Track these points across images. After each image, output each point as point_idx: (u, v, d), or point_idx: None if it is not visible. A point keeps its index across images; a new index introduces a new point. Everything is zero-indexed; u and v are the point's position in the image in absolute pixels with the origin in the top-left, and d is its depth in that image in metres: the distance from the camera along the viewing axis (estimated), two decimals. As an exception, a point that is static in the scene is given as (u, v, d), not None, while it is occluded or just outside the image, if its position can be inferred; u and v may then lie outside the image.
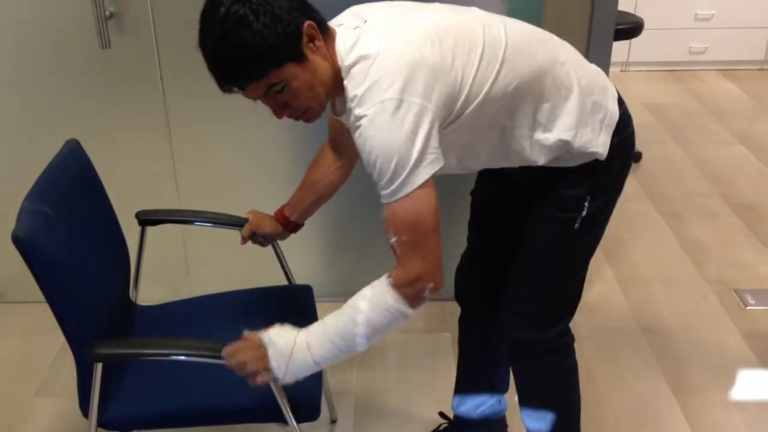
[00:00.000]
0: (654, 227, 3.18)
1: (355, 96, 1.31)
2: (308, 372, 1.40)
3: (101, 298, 1.57)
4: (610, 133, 1.51)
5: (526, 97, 1.43)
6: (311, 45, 1.32)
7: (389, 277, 1.35)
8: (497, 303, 1.68)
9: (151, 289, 2.25)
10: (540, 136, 1.47)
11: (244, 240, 1.84)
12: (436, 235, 1.35)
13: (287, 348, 1.38)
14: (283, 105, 1.35)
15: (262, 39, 1.25)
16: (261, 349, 1.38)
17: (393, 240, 1.33)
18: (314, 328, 1.39)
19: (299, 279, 1.99)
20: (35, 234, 1.33)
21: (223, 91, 1.33)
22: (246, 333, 1.41)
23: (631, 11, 4.58)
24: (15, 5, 2.08)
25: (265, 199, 1.87)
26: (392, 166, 1.28)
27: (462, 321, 1.91)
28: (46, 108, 2.20)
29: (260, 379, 1.39)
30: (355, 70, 1.32)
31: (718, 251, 2.99)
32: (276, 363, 1.37)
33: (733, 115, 4.31)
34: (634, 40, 4.71)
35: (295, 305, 1.85)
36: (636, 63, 4.95)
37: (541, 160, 1.49)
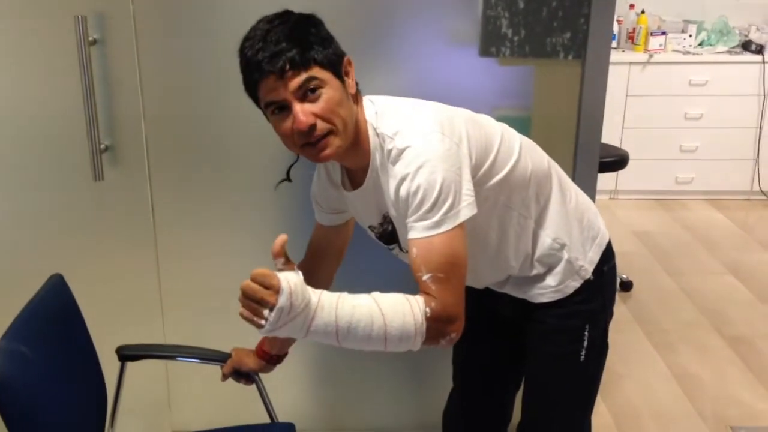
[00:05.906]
0: (647, 359, 3.13)
1: (396, 132, 1.33)
2: (291, 336, 1.25)
3: (74, 440, 1.51)
4: (599, 253, 1.57)
5: (538, 189, 1.49)
6: (346, 78, 1.36)
7: (427, 306, 1.25)
8: None
9: (131, 422, 2.18)
10: (542, 233, 1.51)
11: (224, 377, 1.81)
12: (464, 284, 1.31)
13: (297, 308, 1.20)
14: (309, 113, 1.29)
15: (328, 36, 1.35)
16: (271, 297, 1.18)
17: (427, 277, 1.26)
18: (327, 304, 1.23)
19: (284, 414, 1.94)
20: (9, 377, 1.30)
21: (260, 74, 1.29)
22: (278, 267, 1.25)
23: (617, 144, 4.72)
24: (8, 135, 2.12)
25: (255, 333, 1.85)
26: (436, 192, 1.26)
27: None
28: (34, 237, 2.20)
29: (248, 318, 1.22)
30: (386, 114, 1.37)
31: (712, 385, 2.94)
32: (276, 316, 1.19)
33: (721, 245, 4.35)
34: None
35: (277, 446, 1.79)
36: (624, 191, 5.04)
37: (537, 253, 1.52)
